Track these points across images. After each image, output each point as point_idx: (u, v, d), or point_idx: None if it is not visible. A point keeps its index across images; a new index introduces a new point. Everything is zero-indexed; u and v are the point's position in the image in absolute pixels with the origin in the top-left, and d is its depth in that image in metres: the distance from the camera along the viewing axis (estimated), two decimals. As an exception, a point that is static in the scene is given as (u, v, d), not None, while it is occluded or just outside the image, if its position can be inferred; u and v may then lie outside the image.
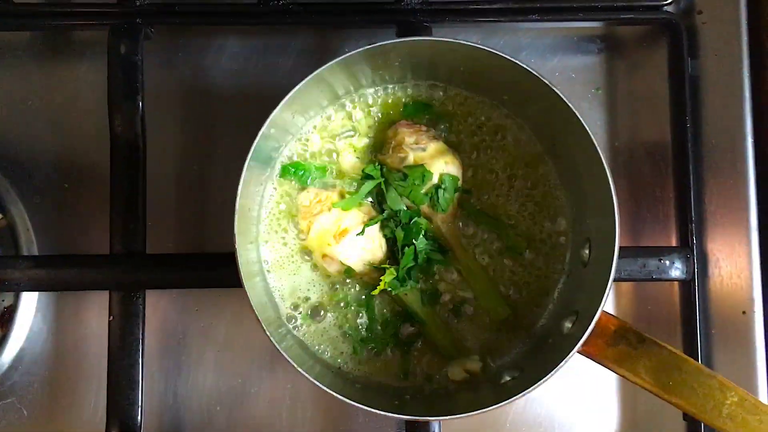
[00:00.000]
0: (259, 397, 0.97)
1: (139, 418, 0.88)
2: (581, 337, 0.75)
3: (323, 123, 0.91)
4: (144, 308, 0.90)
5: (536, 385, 0.75)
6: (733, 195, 0.99)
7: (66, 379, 0.96)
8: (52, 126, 1.00)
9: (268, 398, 0.97)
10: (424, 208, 0.88)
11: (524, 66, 0.79)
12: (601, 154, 0.77)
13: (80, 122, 1.00)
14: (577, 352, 0.76)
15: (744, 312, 0.97)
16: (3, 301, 0.96)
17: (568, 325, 0.83)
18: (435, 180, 0.86)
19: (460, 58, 0.83)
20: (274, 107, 0.99)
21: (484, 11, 0.98)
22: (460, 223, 0.91)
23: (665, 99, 1.00)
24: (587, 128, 0.78)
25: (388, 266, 0.87)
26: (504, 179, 0.92)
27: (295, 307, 0.89)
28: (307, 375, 0.75)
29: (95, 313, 0.96)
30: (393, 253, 0.89)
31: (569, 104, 0.78)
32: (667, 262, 0.91)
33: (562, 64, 1.03)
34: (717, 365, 0.97)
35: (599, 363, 0.78)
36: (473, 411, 0.75)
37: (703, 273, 0.97)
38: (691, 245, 0.94)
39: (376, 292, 0.86)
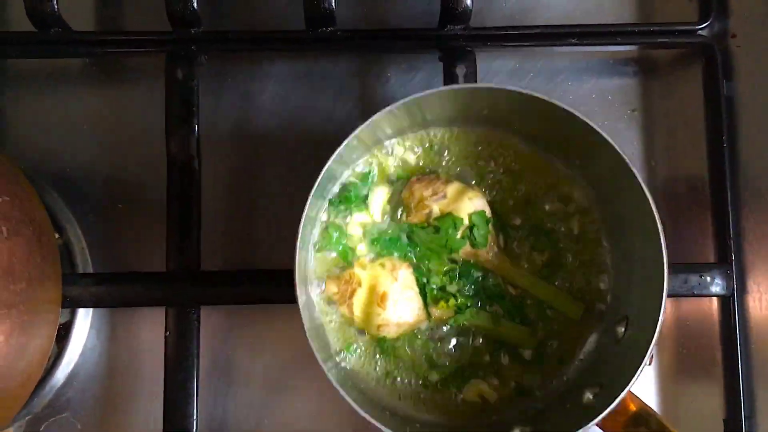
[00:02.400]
0: (305, 411, 0.99)
1: (194, 429, 0.90)
2: (601, 413, 0.75)
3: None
4: (199, 323, 0.92)
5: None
6: (772, 217, 1.00)
7: (120, 395, 0.98)
8: (106, 149, 1.03)
9: (315, 412, 0.99)
10: (467, 248, 0.89)
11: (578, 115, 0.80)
12: (653, 206, 0.79)
13: (133, 145, 1.02)
14: (596, 425, 0.77)
15: (782, 327, 0.98)
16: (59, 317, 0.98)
17: (589, 395, 0.83)
18: (466, 221, 0.88)
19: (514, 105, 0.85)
20: (318, 133, 1.04)
21: (524, 36, 1.01)
22: (503, 243, 0.93)
23: (701, 119, 1.02)
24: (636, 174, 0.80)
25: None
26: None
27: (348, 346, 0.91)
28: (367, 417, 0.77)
29: (149, 328, 0.98)
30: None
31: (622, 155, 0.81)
32: (708, 278, 0.93)
33: (598, 86, 1.05)
34: (757, 379, 0.98)
35: None
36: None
37: (742, 289, 0.98)
38: (729, 261, 0.96)
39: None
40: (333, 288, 0.89)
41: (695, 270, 0.94)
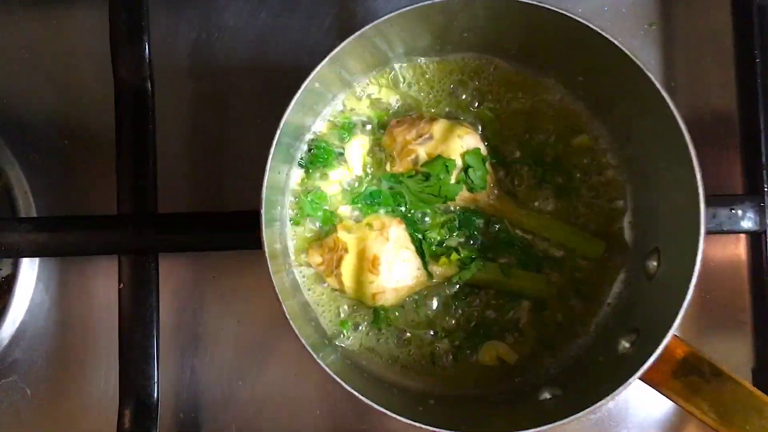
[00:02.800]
0: (285, 369, 0.88)
1: (155, 394, 0.80)
2: (644, 362, 0.65)
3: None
4: (158, 274, 0.81)
5: (584, 411, 0.66)
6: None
7: (73, 355, 0.88)
8: (50, 78, 0.91)
9: (294, 371, 0.88)
10: (464, 194, 0.79)
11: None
12: (682, 126, 0.68)
13: (81, 72, 0.90)
14: (638, 378, 0.66)
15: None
16: (1, 270, 0.87)
17: (625, 344, 0.73)
18: (459, 162, 0.77)
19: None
20: (295, 56, 0.91)
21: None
22: (509, 183, 0.83)
23: (729, 33, 0.91)
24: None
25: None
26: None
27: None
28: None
29: (103, 281, 0.87)
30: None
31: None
32: (739, 212, 0.82)
33: (611, -2, 0.92)
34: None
35: (662, 393, 0.68)
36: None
37: (775, 224, 0.87)
38: (761, 192, 0.85)
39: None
40: (317, 258, 0.78)
41: (724, 203, 0.83)
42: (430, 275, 0.79)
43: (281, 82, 0.87)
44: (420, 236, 0.80)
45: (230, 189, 0.88)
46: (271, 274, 0.66)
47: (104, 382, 0.87)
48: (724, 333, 0.90)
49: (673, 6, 0.92)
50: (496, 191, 0.81)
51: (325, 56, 0.68)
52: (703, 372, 0.67)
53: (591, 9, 0.92)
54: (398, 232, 0.77)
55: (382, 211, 0.80)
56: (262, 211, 0.66)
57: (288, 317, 0.66)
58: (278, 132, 0.66)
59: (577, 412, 0.66)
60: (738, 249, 0.90)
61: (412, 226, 0.80)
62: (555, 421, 0.66)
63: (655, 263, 0.75)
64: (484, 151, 0.79)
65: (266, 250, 0.66)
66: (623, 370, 0.67)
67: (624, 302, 0.80)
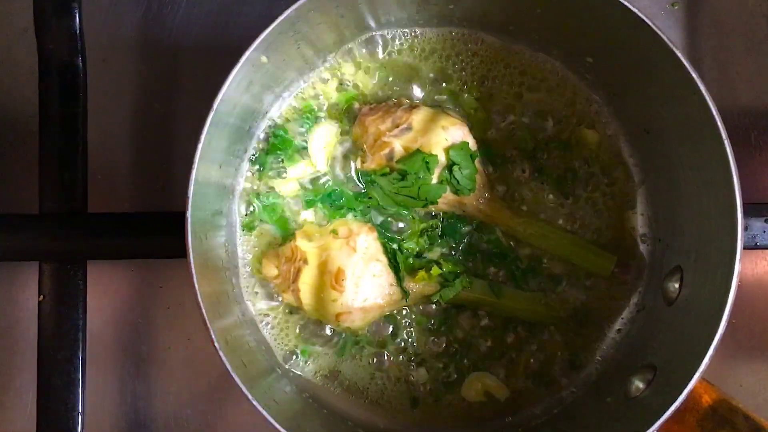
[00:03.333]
0: (241, 399, 0.76)
1: (78, 427, 0.69)
2: (663, 411, 0.54)
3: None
4: (85, 284, 0.71)
5: None
6: None
7: (-8, 376, 0.77)
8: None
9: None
10: (448, 196, 0.67)
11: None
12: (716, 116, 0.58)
13: (9, 50, 0.79)
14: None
15: None
16: None
17: (639, 384, 0.62)
18: (442, 158, 0.66)
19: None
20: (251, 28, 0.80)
21: None
22: (502, 184, 0.71)
23: (762, 15, 0.81)
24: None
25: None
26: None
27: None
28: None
29: (27, 293, 0.76)
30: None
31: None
32: (803, 223, 0.70)
33: (629, -26, 0.81)
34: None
35: None
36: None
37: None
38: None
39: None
40: (271, 270, 0.67)
41: (758, 212, 0.72)
42: (405, 293, 0.67)
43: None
44: (395, 246, 0.68)
45: (177, 186, 0.77)
46: (197, 289, 0.55)
47: (27, 410, 0.76)
48: (754, 364, 0.79)
49: (698, -17, 0.82)
50: (486, 194, 0.69)
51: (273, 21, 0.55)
52: (736, 425, 0.55)
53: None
54: (368, 241, 0.66)
55: (350, 215, 0.69)
56: (188, 214, 0.55)
57: (215, 342, 0.54)
58: (211, 112, 0.55)
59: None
60: (771, 269, 0.79)
61: (386, 234, 0.69)
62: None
63: (676, 285, 0.64)
64: (473, 145, 0.68)
65: (191, 259, 0.55)
66: (636, 418, 0.56)
67: (637, 331, 0.69)
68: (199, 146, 0.55)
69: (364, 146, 0.68)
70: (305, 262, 0.64)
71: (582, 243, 0.69)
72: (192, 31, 0.79)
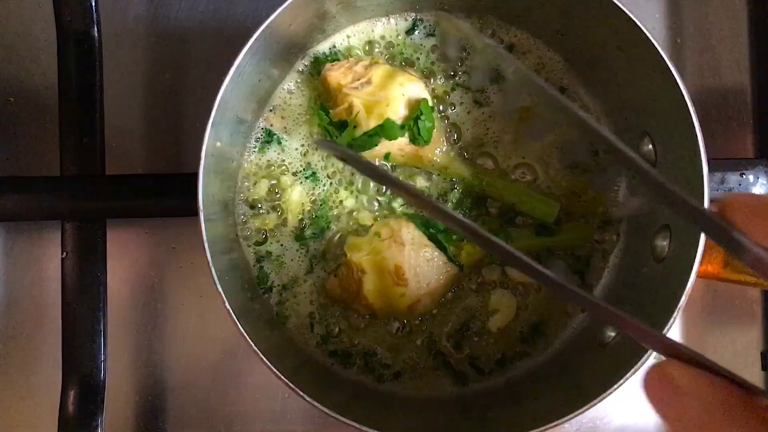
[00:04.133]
0: (251, 354, 0.80)
1: (101, 375, 0.73)
2: (695, 255, 0.57)
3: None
4: (105, 241, 0.74)
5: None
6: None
7: (16, 333, 0.80)
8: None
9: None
10: (405, 147, 0.70)
11: None
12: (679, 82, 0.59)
13: (27, 24, 0.81)
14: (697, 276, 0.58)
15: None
16: (-63, 238, 0.79)
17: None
18: (402, 111, 0.68)
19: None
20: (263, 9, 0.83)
21: None
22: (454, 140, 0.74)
23: (739, -13, 0.82)
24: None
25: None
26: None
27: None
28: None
29: (50, 250, 0.79)
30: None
31: None
32: (751, 177, 0.74)
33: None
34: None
35: (723, 280, 0.62)
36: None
37: (788, 192, 0.79)
38: (775, 157, 0.77)
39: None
40: (335, 289, 0.70)
41: (734, 167, 0.75)
42: (460, 265, 0.71)
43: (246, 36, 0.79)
44: (431, 230, 0.71)
45: (189, 149, 0.80)
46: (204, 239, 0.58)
47: (50, 358, 0.79)
48: (731, 314, 0.82)
49: (681, -49, 0.84)
50: (444, 147, 0.72)
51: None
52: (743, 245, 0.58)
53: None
54: (411, 232, 0.69)
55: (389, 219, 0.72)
56: (201, 170, 0.58)
57: (216, 283, 0.59)
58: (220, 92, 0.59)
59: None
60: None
61: (419, 220, 0.72)
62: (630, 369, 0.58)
63: (665, 243, 0.65)
64: (430, 101, 0.71)
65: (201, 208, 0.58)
66: (675, 273, 0.60)
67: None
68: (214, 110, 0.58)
69: (330, 97, 0.70)
70: (363, 272, 0.67)
71: (526, 191, 0.72)
72: (198, 6, 0.81)
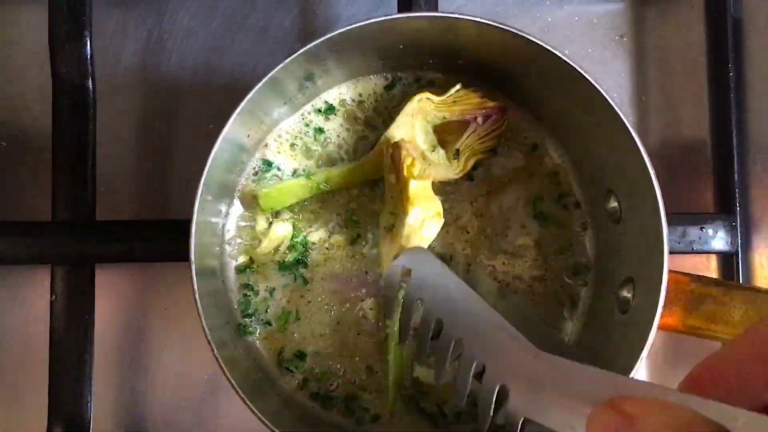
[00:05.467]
0: (232, 393, 0.82)
1: (88, 414, 0.74)
2: (655, 307, 0.61)
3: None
4: (93, 285, 0.76)
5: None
6: (784, 155, 0.85)
7: (2, 371, 0.81)
8: (-12, 75, 0.85)
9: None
10: None
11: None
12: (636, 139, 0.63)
13: (21, 72, 0.84)
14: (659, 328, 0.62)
15: (791, 289, 0.83)
16: (-72, 279, 0.80)
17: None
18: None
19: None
20: (250, 62, 0.87)
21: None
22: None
23: (702, 46, 0.88)
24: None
25: None
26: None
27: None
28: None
29: (37, 292, 0.81)
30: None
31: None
32: (710, 231, 0.78)
33: (581, 8, 0.89)
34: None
35: (684, 332, 0.66)
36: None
37: (747, 245, 0.84)
38: (734, 212, 0.81)
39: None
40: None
41: (695, 221, 0.79)
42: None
43: (235, 87, 0.83)
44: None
45: (177, 197, 0.83)
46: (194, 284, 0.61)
47: (35, 399, 0.79)
48: (695, 360, 0.85)
49: (646, 18, 0.89)
50: None
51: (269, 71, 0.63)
52: (714, 295, 0.64)
53: (561, 18, 0.89)
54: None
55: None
56: (194, 217, 0.61)
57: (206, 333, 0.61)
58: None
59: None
60: (709, 269, 0.86)
61: None
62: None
63: (630, 294, 0.68)
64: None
65: (192, 257, 0.61)
66: (636, 326, 0.64)
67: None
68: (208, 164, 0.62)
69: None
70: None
71: None
72: (190, 57, 0.85)
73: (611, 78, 0.88)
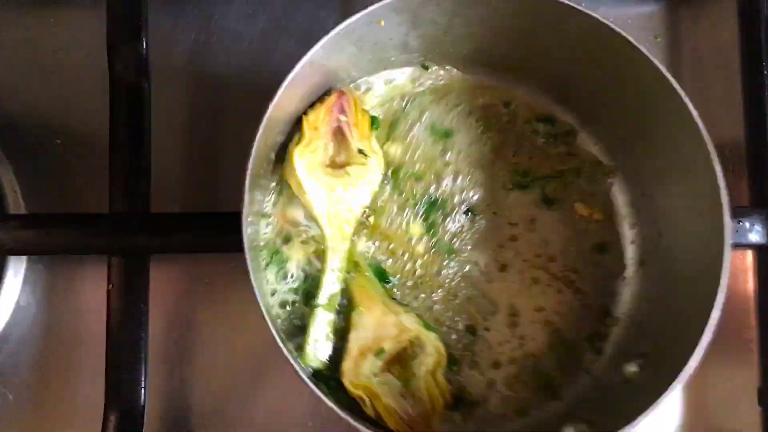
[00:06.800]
0: (277, 380, 0.85)
1: (142, 400, 0.77)
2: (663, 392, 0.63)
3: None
4: (148, 276, 0.79)
5: None
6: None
7: (59, 360, 0.84)
8: (45, 76, 0.88)
9: (287, 382, 0.85)
10: None
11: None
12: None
13: (76, 71, 0.88)
14: None
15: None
16: (-14, 270, 0.84)
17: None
18: None
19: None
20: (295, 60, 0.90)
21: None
22: None
23: (735, 45, 0.89)
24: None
25: None
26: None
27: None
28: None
29: (92, 284, 0.83)
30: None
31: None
32: (747, 224, 0.80)
33: (616, 10, 0.91)
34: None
35: None
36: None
37: (782, 239, 0.85)
38: (770, 206, 0.83)
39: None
40: None
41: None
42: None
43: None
44: None
45: (226, 190, 0.85)
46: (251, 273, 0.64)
47: (90, 388, 0.83)
48: (729, 351, 0.87)
49: (679, 18, 0.91)
50: None
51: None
52: None
53: (595, 19, 0.91)
54: None
55: None
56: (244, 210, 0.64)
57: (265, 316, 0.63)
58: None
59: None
60: (744, 264, 0.88)
61: None
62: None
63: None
64: None
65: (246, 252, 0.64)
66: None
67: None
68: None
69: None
70: None
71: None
72: (235, 59, 0.89)
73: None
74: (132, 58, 0.79)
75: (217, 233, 0.79)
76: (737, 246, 0.82)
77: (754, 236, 0.80)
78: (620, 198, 0.81)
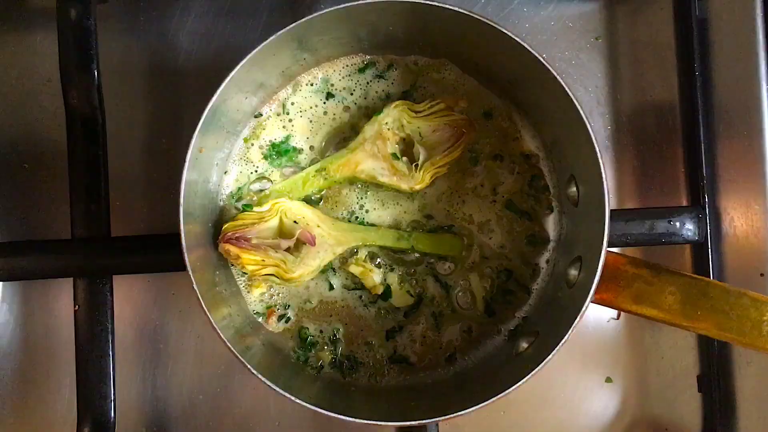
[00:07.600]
0: (244, 384, 0.91)
1: (111, 413, 0.82)
2: (591, 284, 0.69)
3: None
4: (112, 295, 0.83)
5: (557, 347, 0.69)
6: (747, 149, 0.89)
7: (35, 373, 0.90)
8: (6, 102, 0.92)
9: (254, 386, 0.90)
10: None
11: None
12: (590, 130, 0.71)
13: (37, 97, 0.92)
14: (592, 302, 0.70)
15: (762, 274, 0.88)
16: (-36, 292, 0.89)
17: (573, 272, 0.76)
18: None
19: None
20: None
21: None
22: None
23: (671, 46, 0.93)
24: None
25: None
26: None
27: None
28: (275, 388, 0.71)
29: (65, 301, 0.89)
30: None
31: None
32: (678, 224, 0.83)
33: (558, 11, 0.94)
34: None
35: (618, 309, 0.73)
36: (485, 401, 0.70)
37: (716, 234, 0.89)
38: (703, 204, 0.87)
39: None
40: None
41: (662, 215, 0.84)
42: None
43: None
44: None
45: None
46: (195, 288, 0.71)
47: (65, 401, 0.89)
48: (670, 338, 0.92)
49: (619, 20, 0.93)
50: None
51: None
52: (645, 276, 0.71)
53: (538, 22, 0.93)
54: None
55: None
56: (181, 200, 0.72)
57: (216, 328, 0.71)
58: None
59: (550, 352, 0.69)
60: (684, 259, 0.92)
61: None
62: (533, 369, 0.69)
63: (574, 189, 0.79)
64: None
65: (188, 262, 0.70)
66: (578, 299, 0.71)
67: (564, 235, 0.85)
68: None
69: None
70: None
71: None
72: (192, 73, 0.91)
73: (588, 78, 0.93)
74: (85, 91, 0.83)
75: (174, 252, 0.83)
76: (671, 243, 0.85)
77: (686, 233, 0.84)
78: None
